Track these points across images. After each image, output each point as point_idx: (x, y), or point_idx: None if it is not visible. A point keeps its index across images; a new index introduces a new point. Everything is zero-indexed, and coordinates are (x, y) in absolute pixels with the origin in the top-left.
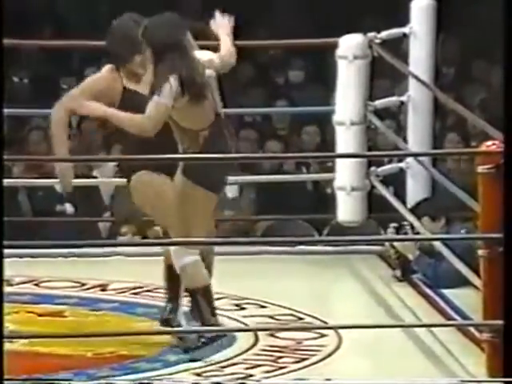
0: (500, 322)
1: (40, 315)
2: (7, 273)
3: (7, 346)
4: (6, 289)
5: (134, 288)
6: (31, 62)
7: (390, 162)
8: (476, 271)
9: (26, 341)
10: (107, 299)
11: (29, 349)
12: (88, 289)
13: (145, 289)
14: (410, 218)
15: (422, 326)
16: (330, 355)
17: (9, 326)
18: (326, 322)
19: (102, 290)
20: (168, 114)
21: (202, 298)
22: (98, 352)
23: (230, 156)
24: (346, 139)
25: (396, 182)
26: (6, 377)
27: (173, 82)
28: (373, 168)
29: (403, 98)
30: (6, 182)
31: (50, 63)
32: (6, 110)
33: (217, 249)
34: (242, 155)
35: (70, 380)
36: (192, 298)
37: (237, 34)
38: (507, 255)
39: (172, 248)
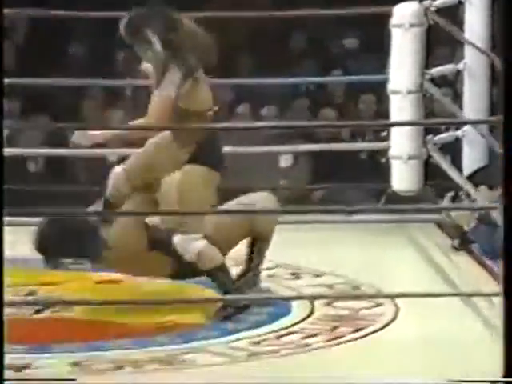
0: None
1: (97, 283)
2: None
3: (64, 314)
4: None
5: None
6: (86, 34)
7: (447, 130)
8: None
9: (82, 309)
10: None
11: (85, 317)
12: None
13: None
14: (467, 186)
15: (481, 295)
16: (387, 325)
17: (64, 294)
18: (382, 291)
19: None
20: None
21: (223, 274)
22: (155, 321)
23: (285, 125)
24: (402, 107)
25: (453, 150)
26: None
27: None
28: (429, 136)
29: (459, 66)
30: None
31: (105, 35)
32: (63, 80)
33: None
34: (296, 124)
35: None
36: (213, 276)
37: None
38: (507, 255)
39: (175, 240)
